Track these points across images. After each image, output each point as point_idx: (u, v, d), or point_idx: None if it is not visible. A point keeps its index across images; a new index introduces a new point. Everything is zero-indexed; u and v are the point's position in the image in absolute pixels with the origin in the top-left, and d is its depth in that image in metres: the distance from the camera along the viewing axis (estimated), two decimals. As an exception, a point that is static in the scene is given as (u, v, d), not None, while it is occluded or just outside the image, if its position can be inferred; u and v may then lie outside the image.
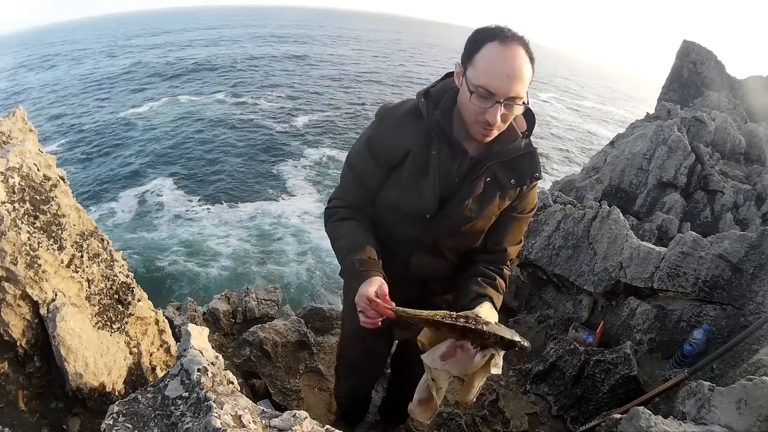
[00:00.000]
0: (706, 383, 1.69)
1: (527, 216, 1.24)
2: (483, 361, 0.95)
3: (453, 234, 1.18)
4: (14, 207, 1.06)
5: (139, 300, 1.46)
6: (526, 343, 0.95)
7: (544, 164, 17.12)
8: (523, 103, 1.02)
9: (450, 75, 1.15)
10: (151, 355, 1.55)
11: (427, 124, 1.10)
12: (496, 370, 0.96)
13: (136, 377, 1.43)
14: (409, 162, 1.13)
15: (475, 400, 1.05)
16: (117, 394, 1.29)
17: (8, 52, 46.14)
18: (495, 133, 1.05)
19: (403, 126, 1.13)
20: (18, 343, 1.11)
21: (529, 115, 1.18)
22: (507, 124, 1.07)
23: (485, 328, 0.91)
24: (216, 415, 0.87)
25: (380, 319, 1.00)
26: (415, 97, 1.15)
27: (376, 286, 1.02)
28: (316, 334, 2.74)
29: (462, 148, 1.11)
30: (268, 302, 2.91)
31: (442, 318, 0.92)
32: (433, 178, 1.11)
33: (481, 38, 0.99)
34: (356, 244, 1.14)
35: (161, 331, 1.63)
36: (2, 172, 1.05)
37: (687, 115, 6.09)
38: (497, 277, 1.19)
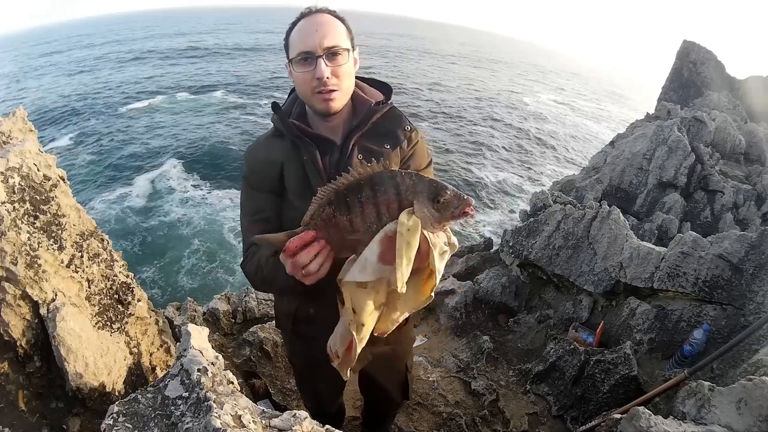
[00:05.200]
0: (706, 383, 1.69)
1: (427, 170, 1.17)
2: (408, 225, 0.75)
3: None
4: (14, 207, 1.06)
5: (139, 300, 1.46)
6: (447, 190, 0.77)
7: (545, 164, 17.14)
8: (353, 58, 1.03)
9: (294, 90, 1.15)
10: (151, 355, 1.55)
11: (287, 134, 1.08)
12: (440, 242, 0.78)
13: (136, 377, 1.43)
14: (287, 178, 1.10)
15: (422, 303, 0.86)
16: (117, 394, 1.29)
17: (9, 52, 46.16)
18: (336, 95, 1.01)
19: (268, 149, 1.12)
20: (18, 343, 1.11)
21: (383, 87, 1.18)
22: (345, 82, 1.03)
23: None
24: (216, 415, 0.87)
25: (317, 260, 0.83)
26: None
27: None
28: (316, 334, 2.74)
29: (327, 139, 1.09)
30: (268, 302, 2.91)
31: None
32: (315, 180, 1.06)
33: (290, 28, 1.04)
34: (269, 252, 1.05)
35: (161, 331, 1.63)
36: (2, 172, 1.05)
37: (687, 115, 6.09)
38: None
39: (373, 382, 1.56)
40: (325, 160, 1.08)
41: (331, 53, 0.98)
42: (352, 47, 1.05)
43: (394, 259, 0.75)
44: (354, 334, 0.85)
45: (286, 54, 1.06)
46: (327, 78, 0.98)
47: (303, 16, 1.02)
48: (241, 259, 1.17)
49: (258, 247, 1.10)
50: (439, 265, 0.80)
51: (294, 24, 1.04)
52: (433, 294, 0.87)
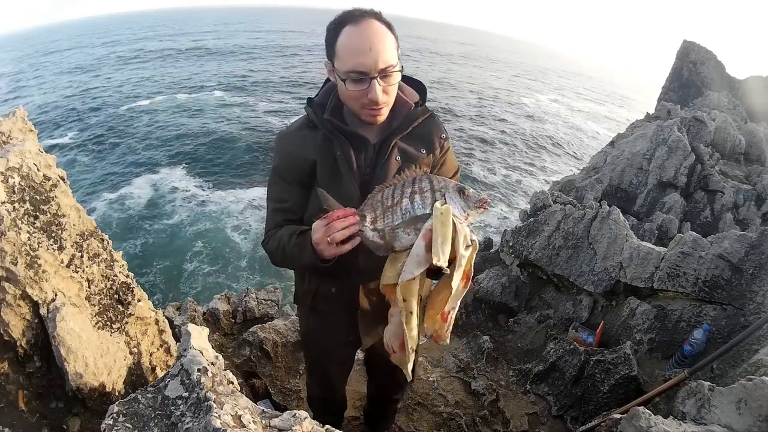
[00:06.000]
0: (706, 383, 1.69)
1: (455, 178, 1.21)
2: (441, 209, 0.91)
3: None
4: (14, 207, 1.06)
5: (139, 300, 1.46)
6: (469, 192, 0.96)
7: (545, 164, 17.14)
8: (400, 70, 1.02)
9: (329, 81, 1.15)
10: (151, 355, 1.55)
11: (321, 128, 1.09)
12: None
13: (136, 377, 1.43)
14: (319, 173, 1.12)
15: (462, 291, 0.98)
16: (117, 394, 1.29)
17: (9, 52, 46.17)
18: (385, 110, 1.05)
19: (301, 142, 1.12)
20: (18, 343, 1.11)
21: (418, 86, 1.19)
22: (393, 97, 1.06)
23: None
24: (216, 415, 0.87)
25: (344, 230, 0.93)
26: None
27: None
28: (316, 334, 2.74)
29: (362, 137, 1.10)
30: (268, 302, 2.91)
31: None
32: (347, 176, 1.09)
33: (335, 28, 1.00)
34: (294, 229, 1.12)
35: (161, 331, 1.63)
36: (2, 172, 1.05)
37: (687, 115, 6.09)
38: None
39: (380, 358, 1.57)
40: (359, 158, 1.10)
41: (386, 74, 0.98)
42: (399, 58, 1.04)
43: None
44: (404, 325, 0.98)
45: (328, 54, 1.03)
46: (378, 98, 0.99)
47: (351, 18, 0.98)
48: (263, 238, 1.23)
49: (279, 228, 1.16)
50: (464, 252, 0.93)
51: (339, 24, 0.99)
52: (469, 283, 0.99)
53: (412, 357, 1.03)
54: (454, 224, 0.91)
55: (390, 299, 1.03)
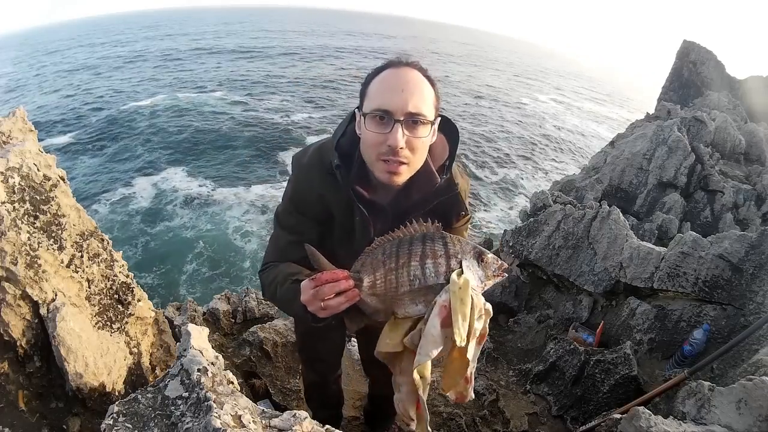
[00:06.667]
0: (706, 383, 1.69)
1: None
2: (459, 284, 0.82)
3: None
4: (14, 207, 1.06)
5: (139, 300, 1.46)
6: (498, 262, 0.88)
7: (545, 164, 17.14)
8: (431, 123, 0.92)
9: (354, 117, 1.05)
10: (151, 355, 1.55)
11: (345, 193, 1.01)
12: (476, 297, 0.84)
13: (136, 377, 1.43)
14: (336, 228, 1.10)
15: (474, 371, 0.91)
16: (117, 394, 1.29)
17: (9, 52, 46.17)
18: (404, 169, 0.92)
19: (323, 187, 1.04)
20: (18, 343, 1.11)
21: (452, 135, 1.06)
22: (417, 157, 0.93)
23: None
24: (216, 415, 0.87)
25: (340, 298, 0.84)
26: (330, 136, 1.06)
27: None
28: (316, 334, 2.74)
29: (382, 208, 1.03)
30: (269, 302, 2.91)
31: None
32: (361, 240, 1.04)
33: (374, 73, 0.94)
34: (293, 271, 1.03)
35: (161, 331, 1.63)
36: (2, 172, 1.05)
37: (687, 115, 6.09)
38: None
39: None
40: (376, 221, 1.04)
41: (413, 120, 0.88)
42: (436, 116, 0.95)
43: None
44: (421, 395, 0.91)
45: (360, 102, 0.95)
46: (401, 148, 0.88)
47: (390, 65, 0.92)
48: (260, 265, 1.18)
49: (279, 263, 1.09)
50: (478, 324, 0.86)
51: (377, 71, 0.94)
52: (484, 341, 0.92)
53: (427, 415, 0.97)
54: (471, 298, 0.82)
55: (390, 365, 0.97)
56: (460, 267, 0.84)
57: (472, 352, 0.86)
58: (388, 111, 0.87)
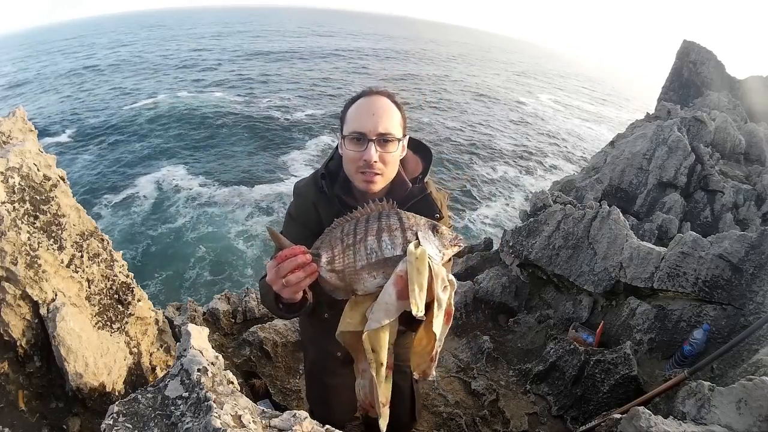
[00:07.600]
0: (706, 383, 1.69)
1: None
2: (416, 254, 0.82)
3: None
4: (14, 207, 1.06)
5: (139, 300, 1.46)
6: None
7: (545, 163, 17.13)
8: (399, 140, 1.07)
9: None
10: (151, 355, 1.55)
11: (334, 204, 1.15)
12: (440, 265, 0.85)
13: (136, 377, 1.43)
14: None
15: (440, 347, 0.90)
16: (117, 394, 1.29)
17: (9, 52, 46.19)
18: (378, 179, 1.08)
19: (317, 199, 1.19)
20: (18, 343, 1.11)
21: (425, 155, 1.24)
22: (390, 169, 1.09)
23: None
24: (216, 415, 0.87)
25: (299, 273, 0.87)
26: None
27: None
28: (316, 334, 2.74)
29: None
30: (268, 302, 2.91)
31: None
32: None
33: (350, 102, 1.10)
34: None
35: (161, 331, 1.63)
36: (2, 172, 1.05)
37: (687, 115, 6.09)
38: None
39: None
40: None
41: (383, 140, 1.04)
42: (404, 135, 1.11)
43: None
44: (375, 377, 0.90)
45: (340, 127, 1.12)
46: (374, 162, 1.04)
47: (363, 94, 1.09)
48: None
49: None
50: (442, 294, 0.86)
51: (353, 100, 1.10)
52: (450, 320, 0.92)
53: (386, 411, 0.94)
54: (430, 267, 0.84)
55: (351, 348, 0.96)
56: (417, 239, 0.87)
57: (439, 330, 0.86)
58: (363, 133, 1.03)
